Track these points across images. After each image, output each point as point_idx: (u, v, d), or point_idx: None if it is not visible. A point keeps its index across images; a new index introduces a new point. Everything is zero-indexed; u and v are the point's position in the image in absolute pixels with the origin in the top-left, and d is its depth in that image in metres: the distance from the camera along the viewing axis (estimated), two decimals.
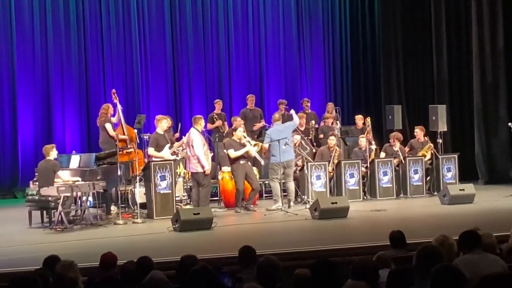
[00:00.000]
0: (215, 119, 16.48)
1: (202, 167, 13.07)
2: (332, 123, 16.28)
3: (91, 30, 17.54)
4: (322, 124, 16.59)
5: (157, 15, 18.10)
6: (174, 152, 13.76)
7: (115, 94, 14.02)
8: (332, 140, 14.83)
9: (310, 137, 15.98)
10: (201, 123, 13.39)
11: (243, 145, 13.81)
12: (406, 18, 19.01)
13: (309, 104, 17.14)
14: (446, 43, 18.34)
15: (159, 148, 13.40)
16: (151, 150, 13.40)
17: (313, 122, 16.40)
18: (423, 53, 18.98)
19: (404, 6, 18.99)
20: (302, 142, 14.95)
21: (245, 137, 13.98)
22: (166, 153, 13.45)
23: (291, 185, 13.87)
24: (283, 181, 13.81)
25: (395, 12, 18.97)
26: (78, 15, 17.40)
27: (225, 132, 16.06)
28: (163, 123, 13.65)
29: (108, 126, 13.80)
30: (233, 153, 13.70)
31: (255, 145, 14.14)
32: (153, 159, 13.25)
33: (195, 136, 13.16)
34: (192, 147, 13.03)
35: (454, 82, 18.52)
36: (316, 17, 19.39)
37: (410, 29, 19.04)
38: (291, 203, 13.82)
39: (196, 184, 13.22)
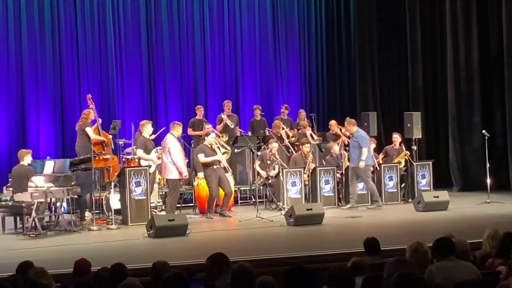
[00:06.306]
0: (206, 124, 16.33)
1: (180, 173, 13.05)
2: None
3: (66, 34, 17.37)
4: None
5: (132, 20, 17.99)
6: (159, 157, 13.69)
7: (91, 100, 13.94)
8: (306, 147, 14.83)
9: (284, 143, 15.93)
10: (178, 130, 13.36)
11: (214, 151, 13.79)
12: (382, 26, 19.09)
13: (287, 111, 17.09)
14: (421, 50, 18.45)
15: (147, 152, 13.41)
16: (140, 152, 13.35)
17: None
18: (398, 60, 19.07)
19: (379, 14, 19.06)
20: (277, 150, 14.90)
21: (216, 144, 13.96)
22: (154, 156, 13.44)
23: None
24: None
25: (370, 20, 19.04)
26: (53, 19, 17.24)
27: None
28: (148, 128, 13.63)
29: (89, 130, 13.68)
30: (202, 158, 13.69)
31: (224, 152, 14.08)
32: (141, 161, 13.29)
33: (172, 142, 13.13)
34: (169, 153, 13.00)
35: (429, 89, 18.64)
36: (292, 23, 19.41)
37: (385, 37, 19.13)
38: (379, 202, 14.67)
39: None
